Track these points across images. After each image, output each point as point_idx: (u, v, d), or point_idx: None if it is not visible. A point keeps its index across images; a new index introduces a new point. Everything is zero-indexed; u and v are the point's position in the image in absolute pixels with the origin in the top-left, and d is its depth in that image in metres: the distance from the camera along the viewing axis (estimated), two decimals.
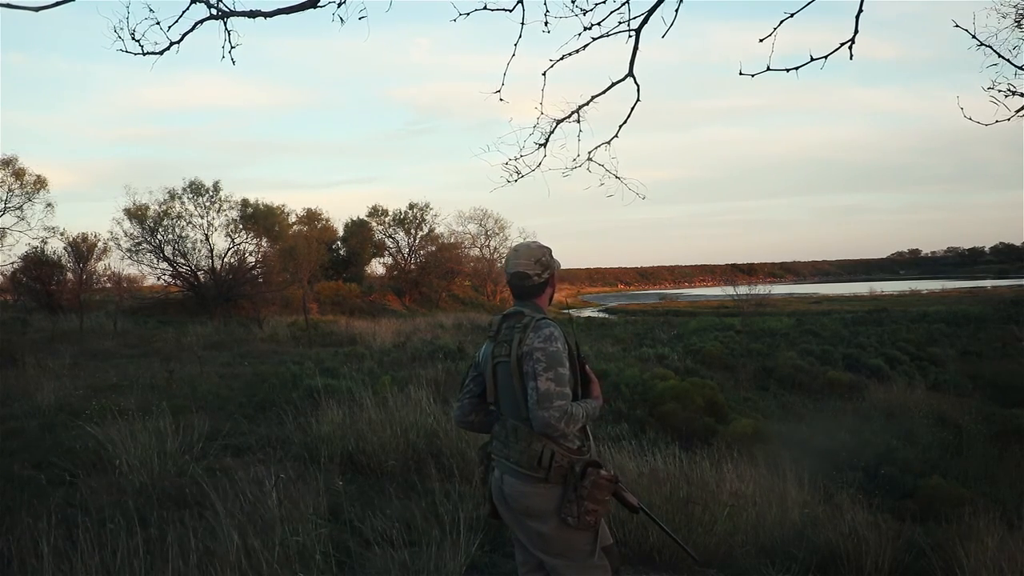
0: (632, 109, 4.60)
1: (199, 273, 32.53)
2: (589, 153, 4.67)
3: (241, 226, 33.34)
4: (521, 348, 2.53)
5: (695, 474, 5.34)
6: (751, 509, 5.17)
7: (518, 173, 4.69)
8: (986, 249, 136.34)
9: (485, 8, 4.01)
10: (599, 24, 4.08)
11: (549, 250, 2.76)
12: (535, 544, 2.59)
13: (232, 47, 3.74)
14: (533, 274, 2.68)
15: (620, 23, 4.09)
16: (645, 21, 4.10)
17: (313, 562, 3.76)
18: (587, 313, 51.13)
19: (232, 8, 3.65)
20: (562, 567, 2.56)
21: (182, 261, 32.30)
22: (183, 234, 32.12)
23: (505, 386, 2.61)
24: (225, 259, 32.79)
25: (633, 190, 4.69)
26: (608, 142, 4.67)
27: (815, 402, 14.74)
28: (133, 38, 3.62)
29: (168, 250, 31.97)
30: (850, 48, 3.87)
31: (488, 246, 56.47)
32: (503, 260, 3.21)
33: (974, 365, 19.78)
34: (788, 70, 3.98)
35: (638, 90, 4.47)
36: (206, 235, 32.44)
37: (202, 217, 32.39)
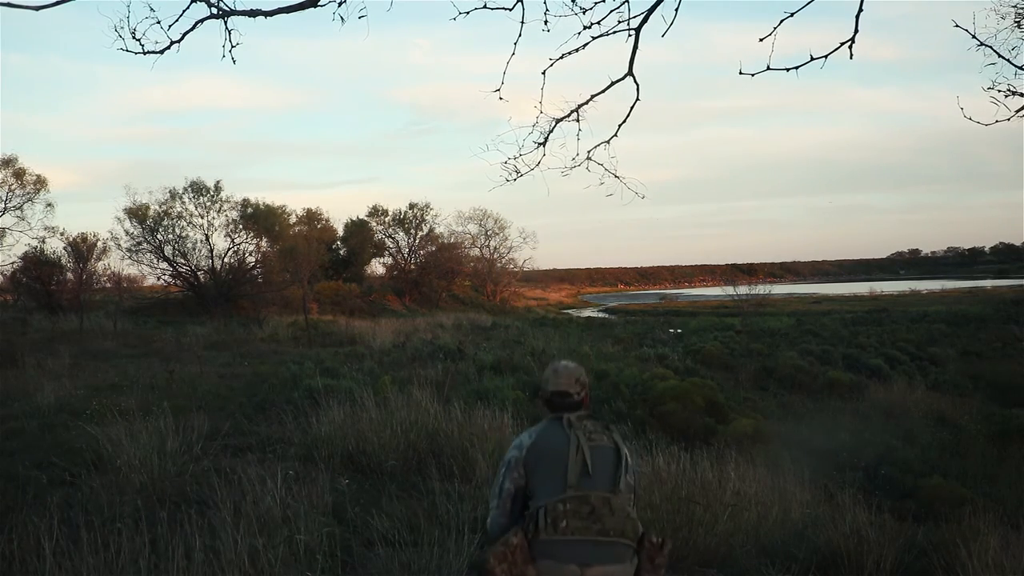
0: (631, 108, 4.60)
1: (199, 273, 32.55)
2: (588, 152, 4.67)
3: (241, 226, 33.37)
4: (621, 445, 2.61)
5: (696, 474, 5.34)
6: (752, 509, 5.17)
7: (517, 172, 4.68)
8: (986, 249, 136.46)
9: (485, 7, 4.01)
10: (599, 23, 4.08)
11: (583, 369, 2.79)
12: None
13: (232, 46, 3.74)
14: (574, 392, 2.68)
15: (620, 22, 4.09)
16: (645, 20, 4.10)
17: (316, 561, 3.76)
18: (587, 313, 51.16)
19: (232, 7, 3.65)
20: None
21: (182, 261, 32.34)
22: (183, 234, 32.23)
23: (599, 463, 2.54)
24: (225, 259, 32.83)
25: (632, 189, 4.68)
26: (607, 141, 4.67)
27: (815, 402, 14.74)
28: (134, 37, 3.62)
29: (168, 250, 32.02)
30: (850, 48, 3.87)
31: (488, 246, 56.61)
32: (547, 376, 2.80)
33: (974, 365, 19.78)
34: (788, 69, 3.98)
35: (637, 89, 4.46)
36: (206, 235, 32.52)
37: (202, 217, 32.46)
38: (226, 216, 33.05)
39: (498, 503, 2.57)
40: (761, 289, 41.63)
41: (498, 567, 2.36)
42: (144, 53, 3.66)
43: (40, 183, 29.23)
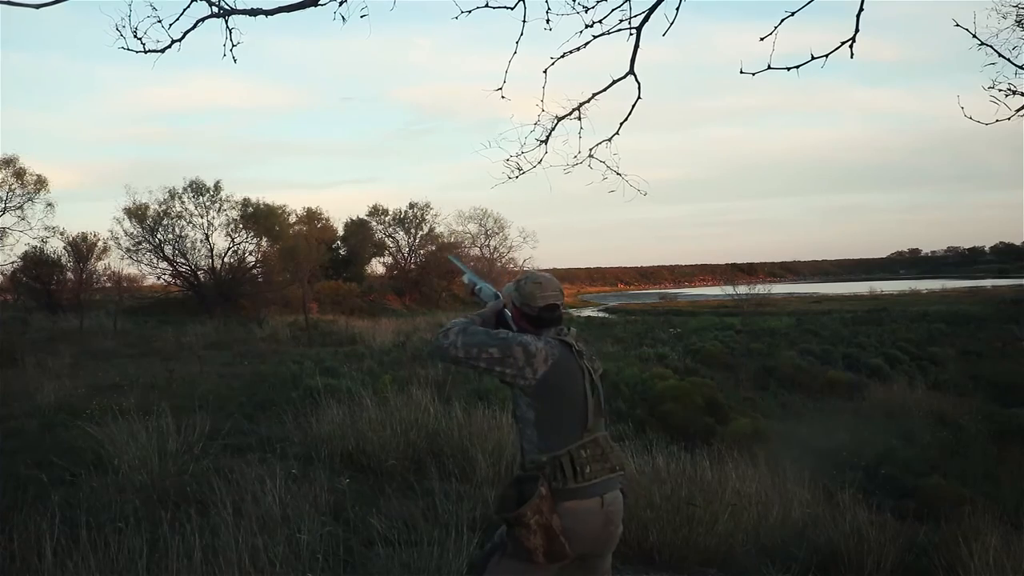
0: (633, 107, 4.59)
1: (199, 273, 32.54)
2: (590, 150, 4.66)
3: (241, 226, 33.36)
4: (600, 364, 2.71)
5: (696, 474, 5.33)
6: (752, 509, 5.16)
7: (519, 169, 4.68)
8: (986, 249, 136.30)
9: (487, 6, 4.01)
10: (600, 22, 4.08)
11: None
12: (607, 557, 2.62)
13: (233, 45, 3.75)
14: (560, 303, 2.66)
15: (621, 21, 4.09)
16: (646, 19, 4.09)
17: (316, 561, 3.76)
18: (587, 312, 51.11)
19: (233, 6, 3.65)
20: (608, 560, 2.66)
21: (182, 261, 32.34)
22: (183, 233, 32.20)
23: (601, 400, 2.61)
24: (225, 259, 32.82)
25: (634, 187, 4.67)
26: (609, 139, 4.66)
27: (815, 402, 14.76)
28: (135, 36, 3.62)
29: (168, 250, 32.01)
30: (851, 47, 3.86)
31: (488, 246, 56.54)
32: (521, 280, 2.70)
33: (974, 365, 19.80)
34: (789, 69, 3.97)
35: (639, 88, 4.46)
36: (206, 235, 32.51)
37: (202, 217, 32.45)
38: (226, 216, 33.07)
39: (496, 343, 2.50)
40: (761, 289, 41.65)
41: (532, 518, 2.38)
42: (145, 52, 3.67)
43: (40, 183, 29.19)
